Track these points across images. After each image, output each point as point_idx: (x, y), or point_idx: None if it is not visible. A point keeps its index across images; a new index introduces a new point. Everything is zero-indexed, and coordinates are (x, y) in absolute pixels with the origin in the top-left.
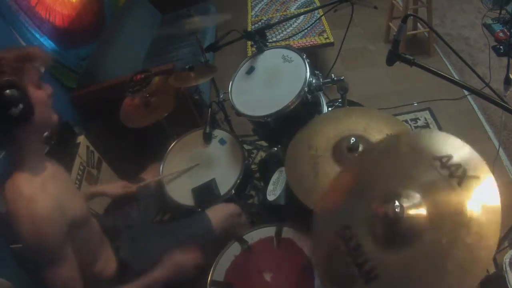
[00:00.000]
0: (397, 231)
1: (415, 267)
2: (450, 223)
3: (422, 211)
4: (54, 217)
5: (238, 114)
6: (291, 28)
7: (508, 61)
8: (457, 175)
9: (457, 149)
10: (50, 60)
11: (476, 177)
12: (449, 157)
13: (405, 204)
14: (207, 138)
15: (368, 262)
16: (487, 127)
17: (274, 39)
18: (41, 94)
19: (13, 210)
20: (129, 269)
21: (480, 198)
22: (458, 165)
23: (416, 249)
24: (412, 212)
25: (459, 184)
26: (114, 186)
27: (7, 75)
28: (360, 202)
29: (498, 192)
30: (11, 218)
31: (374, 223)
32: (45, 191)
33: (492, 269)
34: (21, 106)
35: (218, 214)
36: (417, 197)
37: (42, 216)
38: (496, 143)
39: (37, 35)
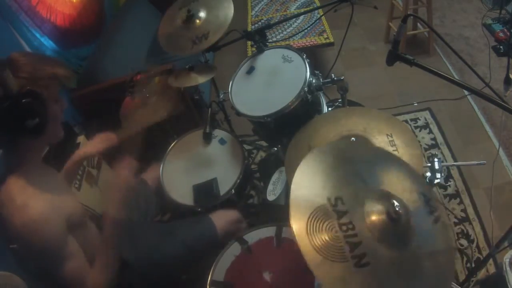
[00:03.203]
0: (393, 230)
1: (406, 268)
2: (427, 245)
3: (411, 223)
4: (48, 218)
5: (238, 114)
6: (291, 28)
7: (508, 61)
8: (435, 215)
9: (433, 198)
10: (72, 78)
11: (445, 224)
12: (429, 199)
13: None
14: (207, 138)
15: (360, 246)
16: (487, 127)
17: (274, 39)
18: (56, 110)
19: (7, 217)
20: (131, 269)
21: (444, 241)
22: (435, 209)
23: (407, 251)
24: (405, 218)
25: (435, 222)
26: (92, 143)
27: (31, 83)
28: (357, 183)
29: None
30: (7, 225)
31: (371, 213)
32: (37, 196)
33: (492, 269)
34: (37, 120)
35: (222, 219)
36: (410, 210)
37: (35, 220)
38: (496, 143)
39: (38, 35)
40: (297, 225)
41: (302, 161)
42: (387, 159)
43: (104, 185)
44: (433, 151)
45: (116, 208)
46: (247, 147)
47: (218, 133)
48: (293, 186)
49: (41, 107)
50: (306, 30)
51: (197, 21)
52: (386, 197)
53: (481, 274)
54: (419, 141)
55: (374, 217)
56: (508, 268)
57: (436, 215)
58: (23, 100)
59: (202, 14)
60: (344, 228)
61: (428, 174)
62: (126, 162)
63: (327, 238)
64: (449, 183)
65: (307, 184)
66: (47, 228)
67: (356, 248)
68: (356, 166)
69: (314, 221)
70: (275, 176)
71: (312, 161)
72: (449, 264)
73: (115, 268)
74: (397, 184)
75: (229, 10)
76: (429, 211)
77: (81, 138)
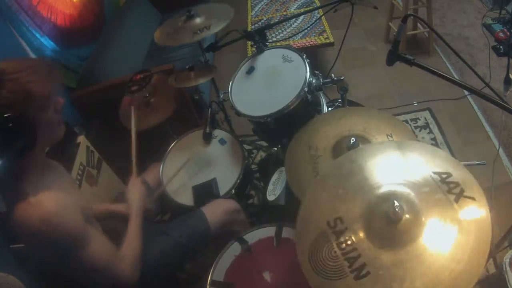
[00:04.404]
0: (394, 232)
1: (408, 271)
2: (445, 233)
3: (419, 216)
4: (67, 209)
5: (238, 114)
6: (291, 28)
7: (508, 61)
8: (455, 193)
9: (456, 169)
10: (59, 78)
11: (472, 198)
12: (449, 175)
13: (404, 207)
14: (207, 138)
15: (359, 258)
16: (487, 127)
17: (274, 39)
18: (48, 116)
19: (21, 217)
20: None
21: (474, 217)
22: (456, 184)
23: (410, 252)
24: (409, 215)
25: (456, 201)
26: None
27: (7, 107)
28: (356, 196)
29: (489, 214)
30: (21, 225)
31: (370, 220)
32: (50, 191)
33: (492, 269)
34: (22, 140)
35: (213, 210)
36: (416, 203)
37: (54, 212)
38: (496, 143)
39: (38, 35)
40: (301, 252)
41: (306, 194)
42: (390, 149)
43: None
44: None
45: (140, 205)
46: (247, 147)
47: (218, 133)
48: (299, 219)
49: (24, 127)
50: (306, 30)
51: (198, 19)
52: (386, 198)
53: (481, 274)
54: (419, 141)
55: (373, 224)
56: (508, 268)
57: (458, 190)
58: (5, 127)
59: (202, 15)
60: (343, 245)
61: None
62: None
63: (326, 260)
64: None
65: (311, 213)
66: (66, 217)
67: (355, 262)
68: (355, 177)
69: (314, 247)
70: (275, 176)
71: (314, 190)
72: (482, 243)
73: (140, 259)
74: (400, 177)
75: (229, 13)
76: (447, 189)
77: (81, 138)
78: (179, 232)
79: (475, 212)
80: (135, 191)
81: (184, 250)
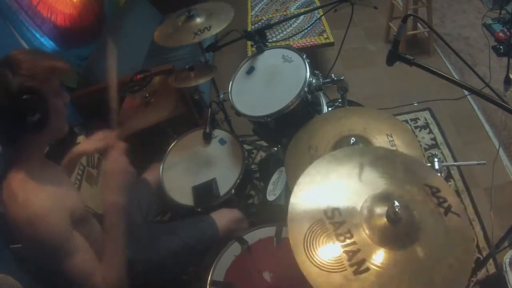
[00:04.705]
0: (394, 232)
1: (406, 272)
2: (437, 240)
3: (416, 220)
4: (53, 213)
5: (238, 114)
6: (291, 28)
7: (508, 61)
8: (444, 206)
9: (444, 187)
10: (71, 73)
11: (458, 215)
12: (438, 190)
13: (403, 209)
14: (207, 138)
15: (359, 253)
16: (487, 127)
17: (274, 39)
18: (59, 104)
19: (11, 214)
20: (133, 268)
21: (460, 233)
22: (445, 199)
23: (408, 254)
24: (408, 218)
25: (445, 214)
26: (91, 142)
27: (31, 79)
28: (354, 192)
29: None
30: (11, 222)
31: (370, 217)
32: (40, 192)
33: (492, 269)
34: (38, 115)
35: (223, 218)
36: (414, 207)
37: (38, 214)
38: (496, 143)
39: (38, 35)
40: (295, 240)
41: (300, 176)
42: (386, 156)
43: (101, 173)
44: (433, 151)
45: (114, 192)
46: (247, 147)
47: (218, 133)
48: (291, 202)
49: (41, 102)
50: (306, 30)
51: (198, 19)
52: (385, 198)
53: (481, 274)
54: (419, 141)
55: (372, 222)
56: (508, 268)
57: (446, 205)
58: (23, 97)
59: (202, 15)
60: (341, 238)
61: None
62: (118, 146)
63: (323, 250)
64: (449, 183)
65: (304, 199)
66: (50, 221)
67: (355, 256)
68: (353, 172)
69: (310, 236)
70: (275, 176)
71: (309, 176)
72: (467, 255)
73: (124, 262)
74: (398, 181)
75: (230, 13)
76: (438, 202)
77: (81, 138)
78: (188, 234)
79: (461, 227)
80: (116, 160)
81: (191, 252)
